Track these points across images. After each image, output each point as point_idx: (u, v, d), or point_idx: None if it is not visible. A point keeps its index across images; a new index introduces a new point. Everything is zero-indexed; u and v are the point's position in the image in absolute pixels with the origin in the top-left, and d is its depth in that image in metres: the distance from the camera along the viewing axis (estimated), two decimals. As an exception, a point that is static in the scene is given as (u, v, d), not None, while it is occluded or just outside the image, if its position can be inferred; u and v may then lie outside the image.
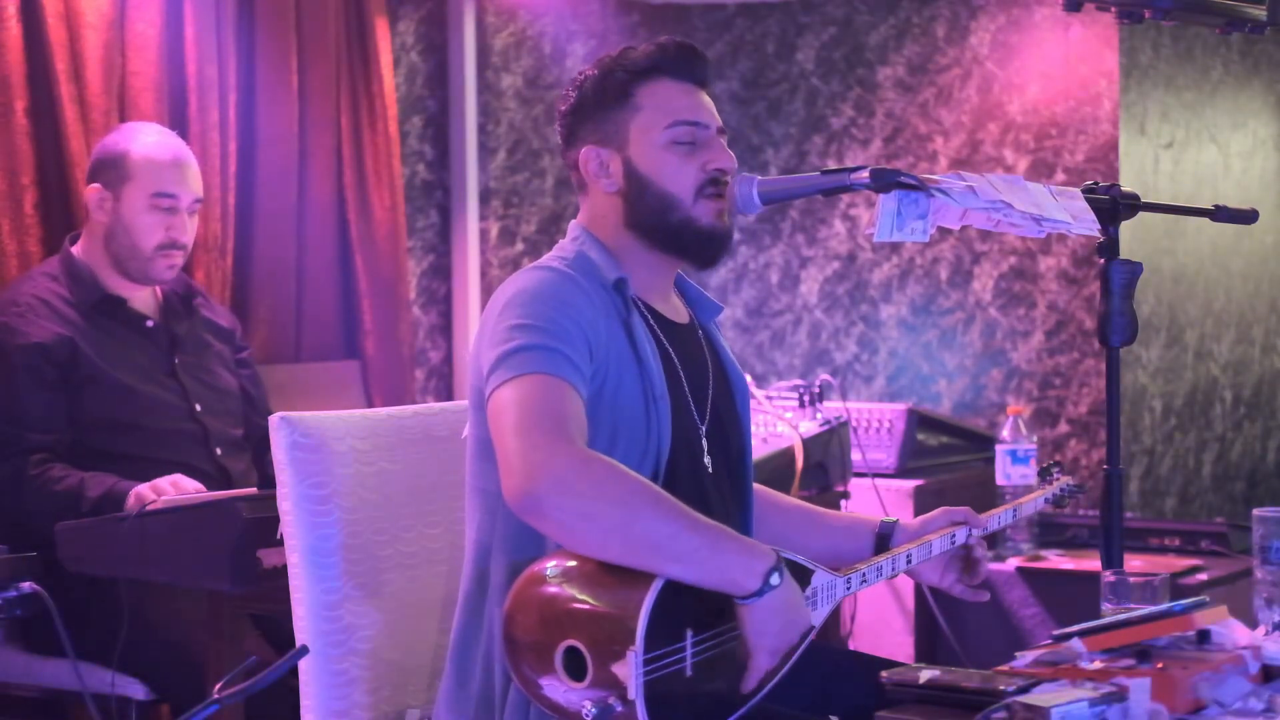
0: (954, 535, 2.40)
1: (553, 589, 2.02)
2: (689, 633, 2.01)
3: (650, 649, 1.95)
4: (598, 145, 2.31)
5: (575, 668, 1.97)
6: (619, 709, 1.93)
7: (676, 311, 2.37)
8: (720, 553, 2.01)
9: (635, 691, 1.92)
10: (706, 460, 2.30)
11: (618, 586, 1.98)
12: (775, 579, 2.02)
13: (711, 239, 2.30)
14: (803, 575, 2.16)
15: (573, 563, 2.02)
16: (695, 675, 2.01)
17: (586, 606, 1.99)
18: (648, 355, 2.23)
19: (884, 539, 2.41)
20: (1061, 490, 2.60)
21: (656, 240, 2.29)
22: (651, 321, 2.29)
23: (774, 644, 2.04)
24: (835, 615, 4.17)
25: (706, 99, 2.34)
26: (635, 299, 2.28)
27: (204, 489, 3.10)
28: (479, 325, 2.23)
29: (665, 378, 2.24)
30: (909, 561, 2.33)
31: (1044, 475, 2.62)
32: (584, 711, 1.95)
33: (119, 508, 3.02)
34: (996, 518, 2.49)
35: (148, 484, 3.05)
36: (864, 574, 2.26)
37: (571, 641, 1.97)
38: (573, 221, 2.36)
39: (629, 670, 1.92)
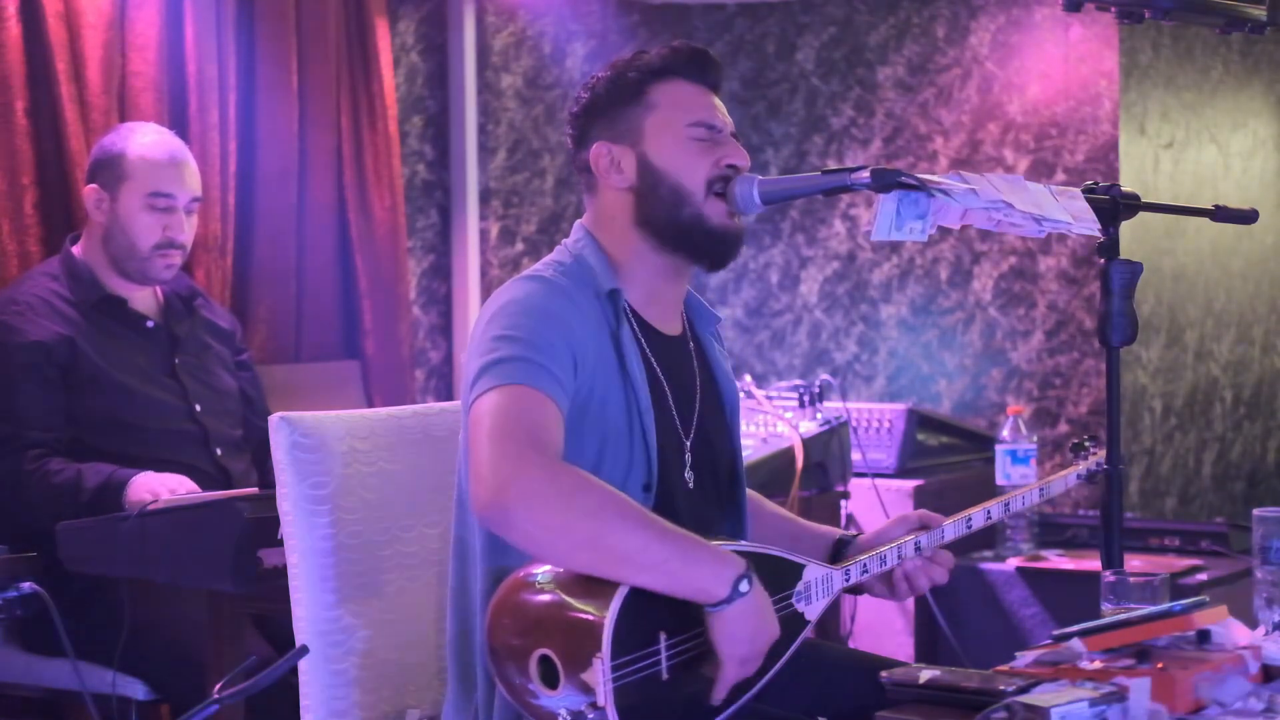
0: (970, 519, 2.36)
1: (526, 597, 2.02)
2: (662, 636, 2.01)
3: (621, 654, 1.94)
4: (610, 141, 2.30)
5: (549, 676, 1.97)
6: (591, 716, 1.93)
7: (669, 323, 2.35)
8: (690, 562, 2.00)
9: (605, 698, 1.92)
10: (687, 475, 2.29)
11: (586, 594, 1.98)
12: (744, 586, 2.01)
13: (723, 239, 2.28)
14: (793, 571, 2.16)
15: (547, 571, 2.02)
16: (672, 679, 2.01)
17: (556, 615, 1.99)
18: (634, 369, 2.22)
19: (839, 550, 2.38)
20: (1098, 466, 2.45)
21: (666, 238, 2.28)
22: (639, 334, 2.28)
23: (744, 652, 2.02)
24: (835, 615, 4.18)
25: (719, 102, 2.34)
26: (627, 310, 2.27)
27: (199, 490, 3.10)
28: (470, 333, 2.23)
29: (650, 392, 2.23)
30: (917, 549, 2.31)
31: (1077, 450, 2.49)
32: (560, 717, 1.95)
33: (118, 496, 3.03)
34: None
35: (144, 477, 3.04)
36: (864, 564, 2.26)
37: (543, 650, 1.97)
38: (578, 221, 2.35)
39: (598, 677, 1.92)
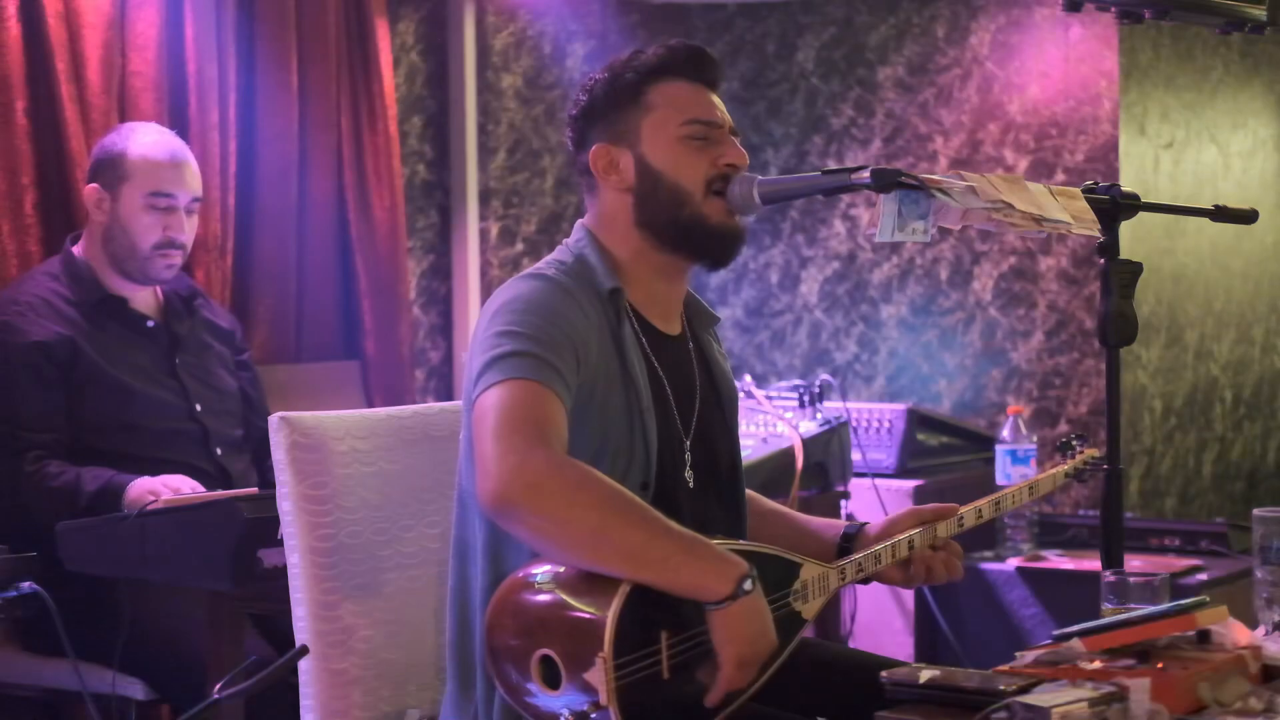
0: (961, 518, 2.37)
1: (527, 598, 2.02)
2: (664, 635, 2.01)
3: (623, 654, 1.95)
4: (609, 143, 2.30)
5: (551, 676, 1.97)
6: (594, 716, 1.93)
7: (670, 323, 2.36)
8: (693, 559, 2.00)
9: (607, 697, 1.92)
10: (687, 474, 2.30)
11: (587, 594, 1.98)
12: (748, 585, 2.01)
13: (723, 237, 2.29)
14: (790, 570, 2.16)
15: (547, 571, 2.03)
16: (673, 678, 2.01)
17: (557, 615, 1.99)
18: (635, 368, 2.23)
19: (847, 542, 2.39)
20: (1084, 466, 2.51)
21: (666, 238, 2.28)
22: (640, 333, 2.28)
23: (744, 653, 2.02)
24: (835, 615, 4.18)
25: (717, 99, 2.34)
26: (628, 309, 2.27)
27: (202, 489, 3.10)
28: (473, 331, 2.23)
29: (650, 390, 2.24)
30: (911, 546, 2.32)
31: (1065, 449, 2.53)
32: (562, 718, 1.95)
33: (117, 501, 3.03)
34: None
35: (143, 481, 3.05)
36: (859, 562, 2.26)
37: (545, 650, 1.97)
38: (579, 221, 2.35)
39: (600, 677, 1.92)
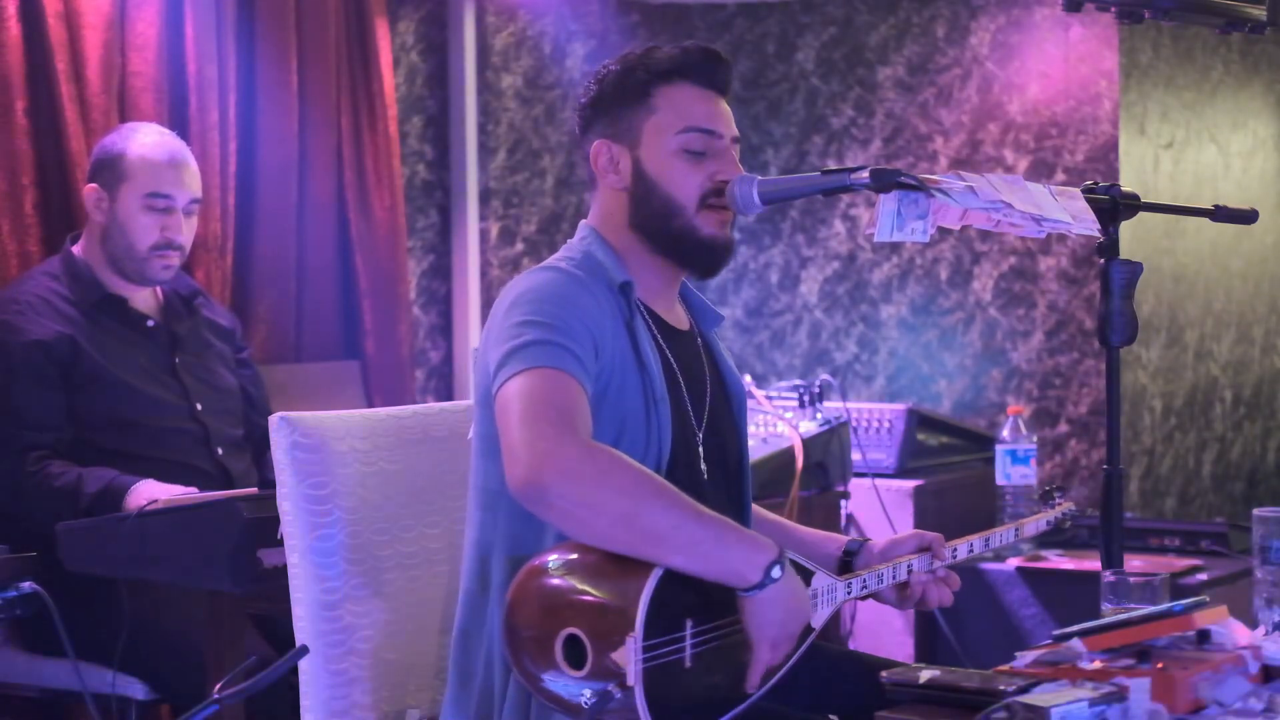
0: (955, 550, 2.39)
1: (554, 580, 2.03)
2: (689, 623, 2.02)
3: (649, 636, 1.96)
4: (610, 140, 2.32)
5: (575, 657, 1.98)
6: (617, 696, 1.94)
7: (678, 318, 2.38)
8: (723, 545, 2.02)
9: (634, 678, 1.93)
10: (703, 467, 2.31)
11: (618, 576, 1.99)
12: (777, 572, 2.03)
13: (712, 249, 2.30)
14: (803, 576, 2.17)
15: (574, 554, 2.04)
16: (694, 667, 2.02)
17: (587, 596, 2.00)
18: (650, 359, 2.24)
19: (849, 558, 2.40)
20: (1063, 515, 2.59)
21: (657, 244, 2.30)
22: (653, 326, 2.30)
23: (775, 635, 2.05)
24: (835, 615, 4.17)
25: (725, 108, 2.35)
26: (639, 303, 2.28)
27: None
28: (486, 325, 2.24)
29: (665, 382, 2.25)
30: (910, 571, 2.33)
31: (1045, 499, 2.60)
32: (582, 700, 1.95)
33: (118, 502, 3.03)
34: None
35: (146, 489, 3.04)
36: (864, 579, 2.27)
37: (571, 630, 1.98)
38: (583, 221, 2.37)
39: (628, 657, 1.93)
